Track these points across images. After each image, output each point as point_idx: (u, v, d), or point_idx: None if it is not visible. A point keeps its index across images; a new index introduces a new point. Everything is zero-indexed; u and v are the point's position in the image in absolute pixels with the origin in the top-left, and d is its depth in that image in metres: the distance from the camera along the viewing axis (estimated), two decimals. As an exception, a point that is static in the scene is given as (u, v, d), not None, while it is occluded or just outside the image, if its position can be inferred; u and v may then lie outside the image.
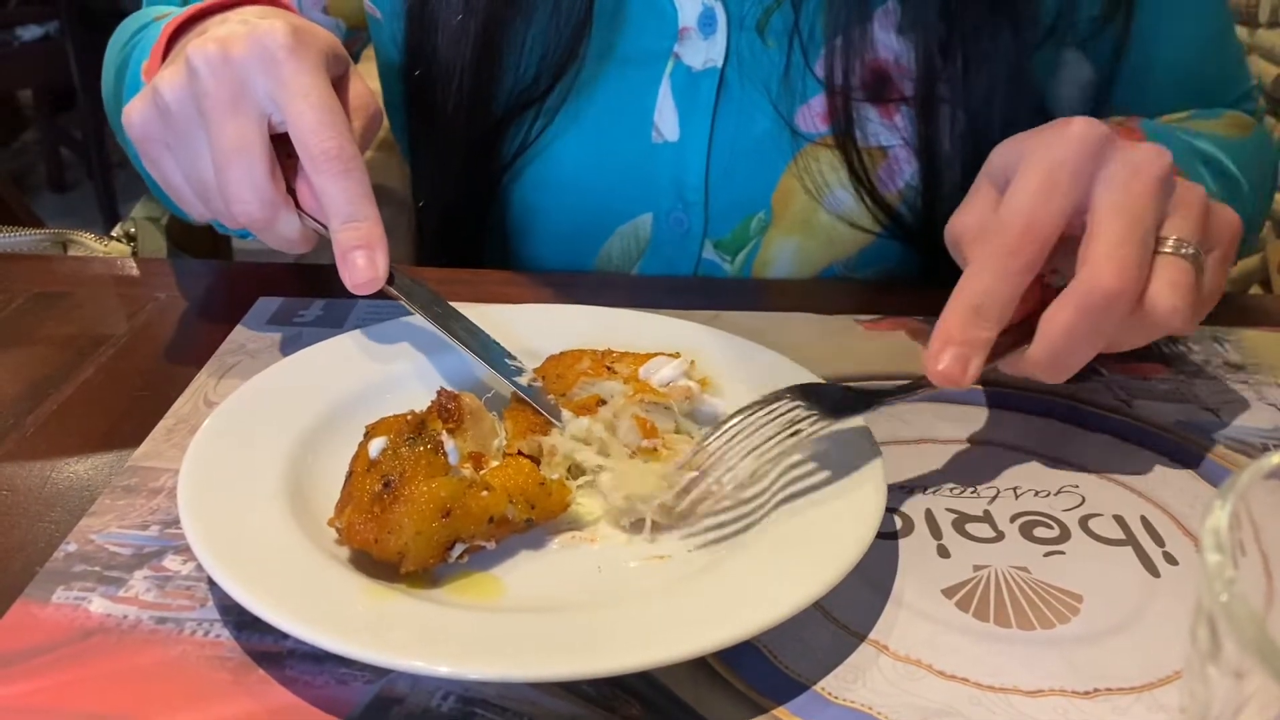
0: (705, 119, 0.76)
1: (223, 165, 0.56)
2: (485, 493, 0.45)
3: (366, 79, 0.64)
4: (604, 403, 0.54)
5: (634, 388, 0.54)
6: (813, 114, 0.75)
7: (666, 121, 0.77)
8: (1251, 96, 0.86)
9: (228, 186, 0.56)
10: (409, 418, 0.48)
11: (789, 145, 0.76)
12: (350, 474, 0.47)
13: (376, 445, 0.46)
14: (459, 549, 0.45)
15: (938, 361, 0.49)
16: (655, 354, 0.57)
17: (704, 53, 0.75)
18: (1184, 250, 0.51)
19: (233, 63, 0.56)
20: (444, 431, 0.48)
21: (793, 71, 0.74)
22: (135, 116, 0.59)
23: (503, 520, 0.45)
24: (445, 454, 0.46)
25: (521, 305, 0.65)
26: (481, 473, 0.47)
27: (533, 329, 0.61)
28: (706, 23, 0.74)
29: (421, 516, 0.43)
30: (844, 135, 0.74)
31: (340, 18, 0.85)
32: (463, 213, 0.82)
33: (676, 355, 0.57)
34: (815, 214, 0.78)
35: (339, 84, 0.61)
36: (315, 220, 0.59)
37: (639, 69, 0.76)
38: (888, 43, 0.73)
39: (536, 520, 0.47)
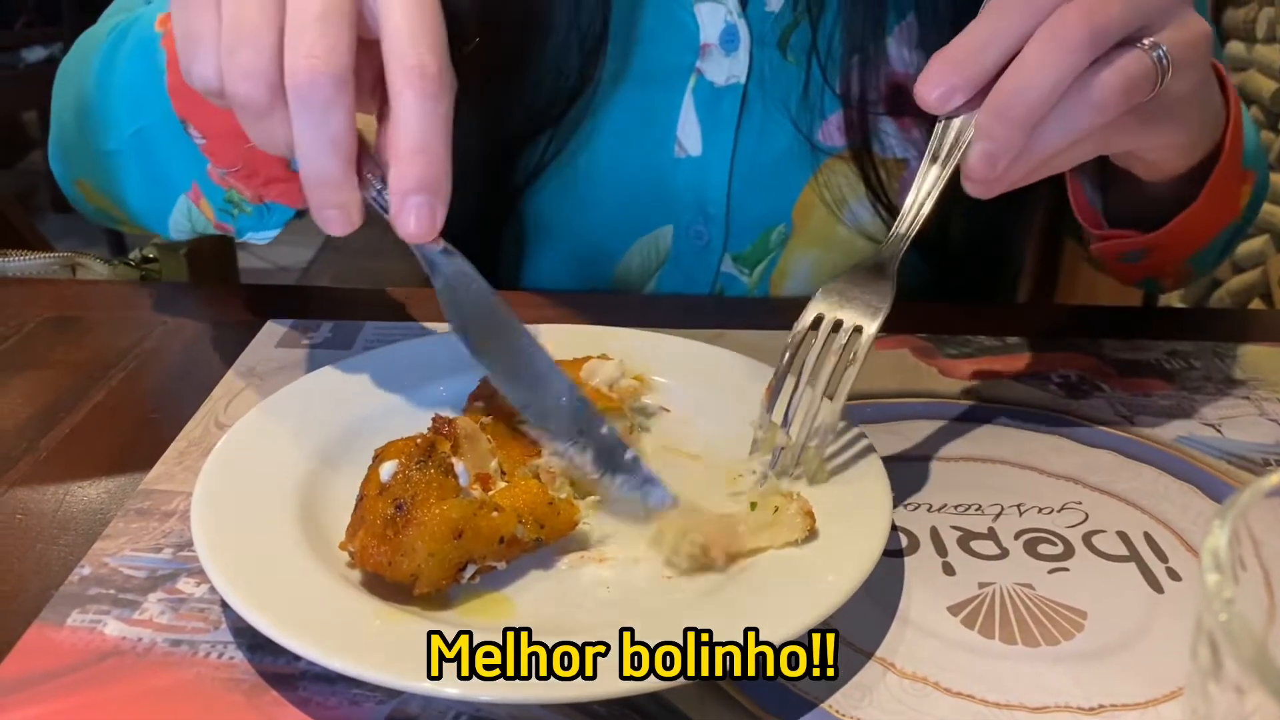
0: (728, 134, 0.77)
1: (305, 20, 0.46)
2: (495, 514, 0.46)
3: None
4: None
5: (585, 392, 0.54)
6: (831, 128, 0.76)
7: (690, 136, 0.77)
8: None
9: (303, 34, 0.46)
10: (418, 440, 0.48)
11: (809, 160, 0.77)
12: (361, 497, 0.47)
13: (387, 469, 0.46)
14: (471, 570, 0.45)
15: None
16: (587, 358, 0.57)
17: (727, 69, 0.76)
18: (1156, 53, 0.50)
19: None
20: (453, 454, 0.48)
21: (812, 88, 0.75)
22: None
23: (513, 540, 0.46)
24: (456, 476, 0.47)
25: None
26: (490, 494, 0.48)
27: None
28: (729, 39, 0.75)
29: (434, 539, 0.44)
30: (860, 149, 0.75)
31: None
32: (478, 228, 0.82)
33: (607, 358, 0.57)
34: (835, 228, 0.79)
35: None
36: (370, 181, 0.50)
37: (661, 85, 0.77)
38: (905, 58, 0.74)
39: (546, 540, 0.47)
